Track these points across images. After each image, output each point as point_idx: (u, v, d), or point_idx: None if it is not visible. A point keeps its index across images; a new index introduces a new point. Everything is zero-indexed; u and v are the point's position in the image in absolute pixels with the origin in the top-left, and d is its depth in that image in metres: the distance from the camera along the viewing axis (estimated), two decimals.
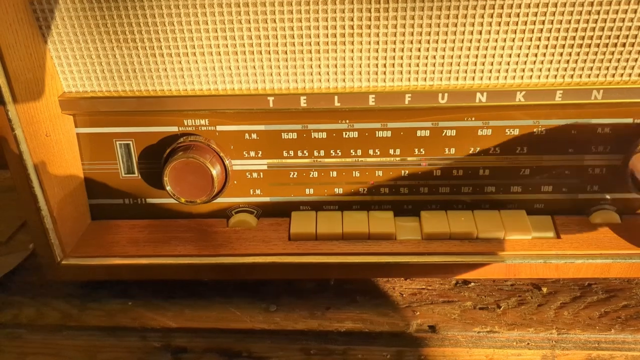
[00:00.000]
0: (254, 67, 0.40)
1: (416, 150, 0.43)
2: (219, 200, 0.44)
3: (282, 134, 0.43)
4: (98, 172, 0.45)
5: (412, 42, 0.38)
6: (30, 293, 0.46)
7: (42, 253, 0.42)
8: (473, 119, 0.41)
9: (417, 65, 0.39)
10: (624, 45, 0.37)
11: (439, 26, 0.37)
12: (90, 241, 0.44)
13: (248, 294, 0.45)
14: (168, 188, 0.41)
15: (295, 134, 0.42)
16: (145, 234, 0.45)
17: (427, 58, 0.39)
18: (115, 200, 0.46)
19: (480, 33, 0.37)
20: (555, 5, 0.36)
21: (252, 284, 0.46)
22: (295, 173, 0.44)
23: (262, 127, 0.42)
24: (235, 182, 0.44)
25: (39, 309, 0.44)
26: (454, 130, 0.42)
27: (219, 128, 0.43)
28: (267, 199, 0.45)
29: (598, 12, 0.36)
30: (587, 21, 0.36)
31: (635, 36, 0.37)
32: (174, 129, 0.43)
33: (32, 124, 0.39)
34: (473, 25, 0.37)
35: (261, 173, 0.44)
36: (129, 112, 0.42)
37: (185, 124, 0.42)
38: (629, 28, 0.37)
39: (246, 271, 0.43)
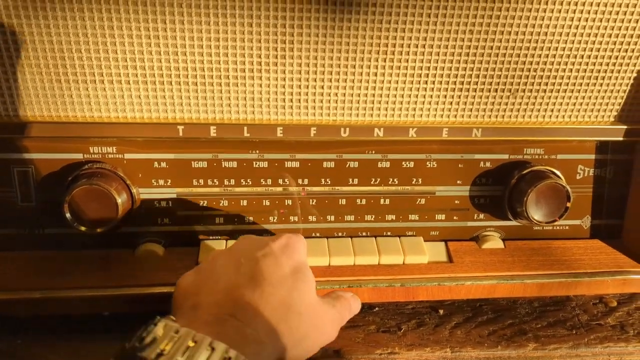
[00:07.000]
0: (164, 97, 0.41)
1: (323, 180, 0.45)
2: (125, 230, 0.44)
3: (192, 162, 0.43)
4: None
5: (315, 80, 0.41)
6: None
7: None
8: (373, 152, 0.45)
9: (322, 102, 0.42)
10: (496, 90, 0.43)
11: (339, 67, 0.41)
12: None
13: None
14: (67, 215, 0.40)
15: (206, 162, 0.43)
16: (42, 265, 0.42)
17: (329, 95, 0.42)
18: (9, 231, 0.43)
19: (376, 75, 0.41)
20: (438, 54, 0.41)
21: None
22: (206, 202, 0.45)
23: (171, 156, 0.43)
24: (142, 211, 0.44)
25: None
26: (357, 162, 0.45)
27: (127, 156, 0.42)
28: (175, 228, 0.45)
29: (473, 62, 0.42)
30: (465, 69, 0.42)
31: (505, 83, 0.43)
32: (78, 156, 0.42)
33: None
34: (369, 67, 0.41)
35: (170, 202, 0.44)
36: (29, 137, 0.40)
37: (91, 151, 0.42)
38: (499, 76, 0.43)
39: (151, 301, 0.42)
